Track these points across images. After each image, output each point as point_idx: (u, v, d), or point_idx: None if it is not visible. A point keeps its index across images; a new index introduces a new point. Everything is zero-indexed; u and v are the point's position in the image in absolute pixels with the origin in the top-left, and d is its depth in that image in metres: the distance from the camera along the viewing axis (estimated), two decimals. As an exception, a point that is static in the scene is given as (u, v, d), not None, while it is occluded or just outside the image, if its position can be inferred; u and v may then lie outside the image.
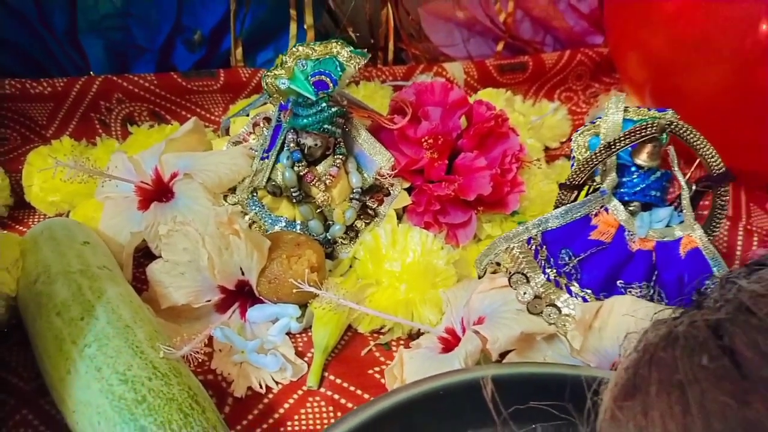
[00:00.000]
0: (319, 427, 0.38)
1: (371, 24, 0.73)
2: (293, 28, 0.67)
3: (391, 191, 0.50)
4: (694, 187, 0.38)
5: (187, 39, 0.66)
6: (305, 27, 0.66)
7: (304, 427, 0.39)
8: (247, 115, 0.53)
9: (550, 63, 0.73)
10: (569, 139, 0.63)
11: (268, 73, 0.46)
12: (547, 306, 0.39)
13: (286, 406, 0.40)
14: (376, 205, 0.50)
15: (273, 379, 0.41)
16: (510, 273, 0.40)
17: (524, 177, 0.52)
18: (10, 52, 0.64)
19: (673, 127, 0.37)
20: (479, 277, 0.42)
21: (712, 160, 0.37)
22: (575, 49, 0.73)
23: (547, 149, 0.66)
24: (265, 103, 0.51)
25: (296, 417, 0.39)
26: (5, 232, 0.49)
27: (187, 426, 0.32)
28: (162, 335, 0.37)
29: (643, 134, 0.36)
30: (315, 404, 0.40)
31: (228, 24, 0.65)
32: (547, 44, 0.76)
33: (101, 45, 0.64)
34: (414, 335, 0.44)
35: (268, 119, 0.51)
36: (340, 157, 0.48)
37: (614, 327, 0.37)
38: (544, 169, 0.55)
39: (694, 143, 0.37)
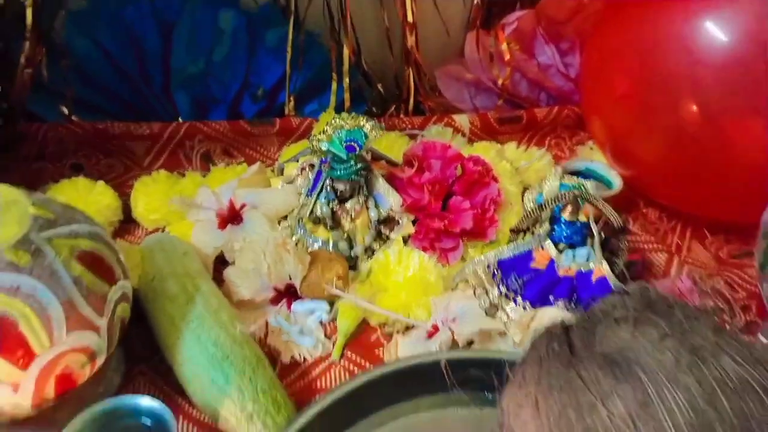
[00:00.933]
0: (338, 387, 0.56)
1: (396, 82, 0.90)
2: (334, 86, 0.85)
3: (400, 222, 0.67)
4: (603, 235, 0.55)
5: (253, 93, 0.85)
6: (344, 86, 0.85)
7: (328, 387, 0.57)
8: (296, 161, 0.71)
9: (541, 116, 0.89)
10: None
11: (314, 137, 0.64)
12: (499, 311, 0.56)
13: (316, 371, 0.58)
14: (388, 233, 0.67)
15: (309, 353, 0.59)
16: (474, 287, 0.57)
17: (501, 215, 0.69)
18: (117, 101, 0.84)
19: (583, 195, 0.53)
20: (452, 290, 0.59)
21: (613, 218, 0.53)
22: (563, 105, 0.89)
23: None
24: (310, 155, 0.69)
25: (323, 379, 0.57)
26: (129, 243, 0.68)
27: (254, 374, 0.50)
28: (237, 318, 0.56)
29: (562, 200, 0.53)
30: (336, 371, 0.58)
31: (284, 83, 0.84)
32: (542, 100, 0.92)
33: (187, 97, 0.83)
34: (409, 328, 0.61)
35: (312, 166, 0.69)
36: (363, 197, 0.66)
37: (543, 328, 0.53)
38: (518, 209, 0.71)
39: (599, 207, 0.54)
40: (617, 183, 0.73)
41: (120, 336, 0.49)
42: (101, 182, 0.71)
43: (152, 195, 0.71)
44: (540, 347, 0.40)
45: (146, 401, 0.45)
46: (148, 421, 0.45)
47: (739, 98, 0.60)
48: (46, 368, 0.43)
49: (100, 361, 0.47)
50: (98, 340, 0.46)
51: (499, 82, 0.86)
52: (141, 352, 0.57)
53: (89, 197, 0.69)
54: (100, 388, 0.53)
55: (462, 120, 0.86)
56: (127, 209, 0.72)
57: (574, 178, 0.57)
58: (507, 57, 0.84)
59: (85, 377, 0.46)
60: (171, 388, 0.54)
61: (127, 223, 0.72)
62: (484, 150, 0.78)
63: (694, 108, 0.61)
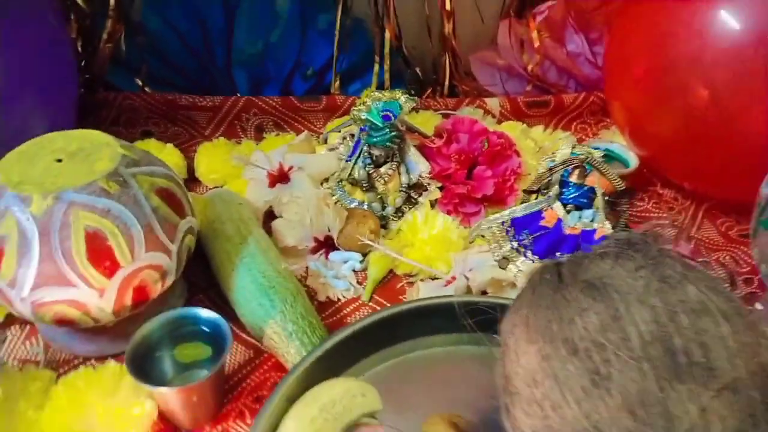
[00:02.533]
0: (366, 323, 0.64)
1: (433, 66, 0.98)
2: (376, 68, 0.94)
3: (428, 188, 0.75)
4: (607, 198, 0.61)
5: (303, 73, 0.94)
6: (385, 68, 0.93)
7: (357, 323, 0.65)
8: (339, 132, 0.80)
9: (568, 101, 0.95)
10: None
11: (355, 108, 0.72)
12: (510, 264, 0.63)
13: (347, 310, 0.66)
14: (417, 196, 0.75)
15: (342, 294, 0.67)
16: (490, 242, 0.64)
17: (520, 184, 0.75)
18: (184, 76, 0.94)
19: (589, 160, 0.60)
20: (470, 243, 0.67)
21: (615, 182, 0.59)
22: (590, 91, 0.95)
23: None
24: (351, 125, 0.78)
25: (353, 317, 0.65)
26: (195, 194, 0.77)
27: (295, 302, 0.59)
28: (282, 258, 0.65)
29: (570, 164, 0.59)
30: (365, 311, 0.66)
31: (331, 63, 0.93)
32: (570, 87, 0.98)
33: (245, 75, 0.93)
34: (431, 279, 0.69)
35: (352, 135, 0.77)
36: (396, 163, 0.74)
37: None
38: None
39: (603, 171, 0.60)
40: (633, 162, 0.79)
41: (186, 262, 0.59)
42: (170, 144, 0.82)
43: (213, 157, 0.81)
44: (534, 278, 0.47)
45: (206, 312, 0.54)
46: (206, 329, 0.54)
47: (746, 82, 0.65)
48: (127, 279, 0.53)
49: (169, 280, 0.57)
50: (169, 261, 0.55)
51: (529, 68, 0.93)
52: (200, 283, 0.67)
53: (159, 156, 0.79)
54: (165, 309, 0.62)
55: (492, 102, 0.93)
56: (190, 170, 0.83)
57: (584, 147, 0.64)
58: (537, 44, 0.90)
59: (156, 292, 0.56)
60: (224, 313, 0.63)
61: (190, 182, 0.83)
62: (511, 128, 0.85)
63: (704, 90, 0.67)
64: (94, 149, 0.55)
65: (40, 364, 0.56)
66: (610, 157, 0.80)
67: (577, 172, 0.61)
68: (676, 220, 0.78)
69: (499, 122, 0.92)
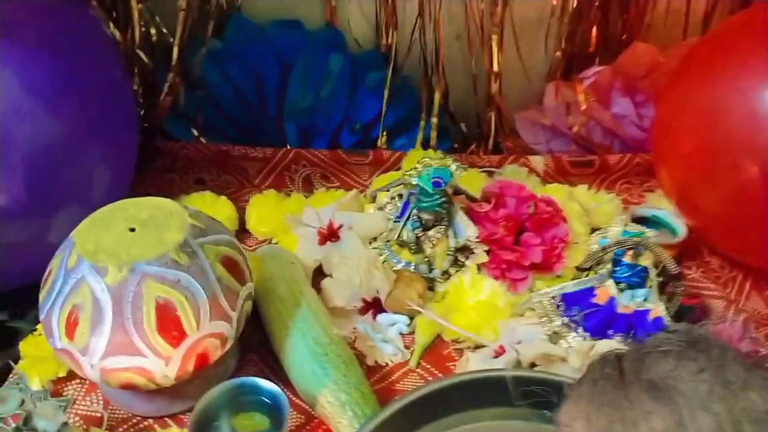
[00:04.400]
0: (414, 390, 0.65)
1: (479, 122, 0.99)
2: (422, 124, 0.96)
3: (475, 252, 0.76)
4: (660, 279, 0.61)
5: (351, 127, 0.96)
6: (431, 124, 0.95)
7: (404, 390, 0.65)
8: (387, 191, 0.81)
9: (613, 162, 0.94)
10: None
11: (406, 173, 0.74)
12: (561, 339, 0.64)
13: (395, 376, 0.67)
14: (464, 260, 0.76)
15: (390, 359, 0.68)
16: (540, 315, 0.65)
17: (568, 252, 0.76)
18: (237, 127, 0.97)
19: (644, 242, 0.60)
20: (520, 315, 0.67)
21: (669, 265, 0.60)
22: (635, 152, 0.95)
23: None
24: (400, 185, 0.80)
25: (401, 383, 0.66)
26: (246, 248, 0.80)
27: (347, 370, 0.60)
28: (332, 322, 0.66)
29: (624, 245, 0.60)
30: (413, 377, 0.67)
31: (379, 119, 0.95)
32: (615, 147, 0.98)
33: (295, 127, 0.96)
34: (478, 346, 0.70)
35: (400, 195, 0.79)
36: (444, 227, 0.75)
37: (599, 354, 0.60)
38: (584, 248, 0.78)
39: (657, 254, 0.60)
40: (682, 231, 0.79)
41: (243, 327, 0.61)
42: (224, 197, 0.84)
43: (264, 210, 0.84)
44: (595, 370, 0.47)
45: (265, 383, 0.56)
46: (266, 399, 0.56)
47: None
48: (192, 347, 0.55)
49: (228, 346, 0.59)
50: (230, 329, 0.57)
51: (575, 128, 0.94)
52: (251, 341, 0.69)
53: (214, 207, 0.81)
54: (220, 369, 0.64)
55: (537, 161, 0.94)
56: (241, 221, 0.85)
57: (637, 226, 0.64)
58: (583, 107, 0.91)
59: (216, 358, 0.58)
60: (274, 374, 0.65)
61: (241, 233, 0.85)
62: (556, 191, 0.86)
63: (755, 169, 0.67)
64: (164, 218, 0.57)
65: (103, 424, 0.58)
66: (657, 223, 0.80)
67: (631, 253, 0.61)
68: (724, 294, 0.78)
69: (544, 182, 0.92)
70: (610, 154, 0.95)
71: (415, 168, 0.73)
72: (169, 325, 0.53)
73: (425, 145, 0.95)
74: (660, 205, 0.85)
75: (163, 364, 0.54)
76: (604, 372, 0.47)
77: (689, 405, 0.41)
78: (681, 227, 0.79)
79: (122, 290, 0.52)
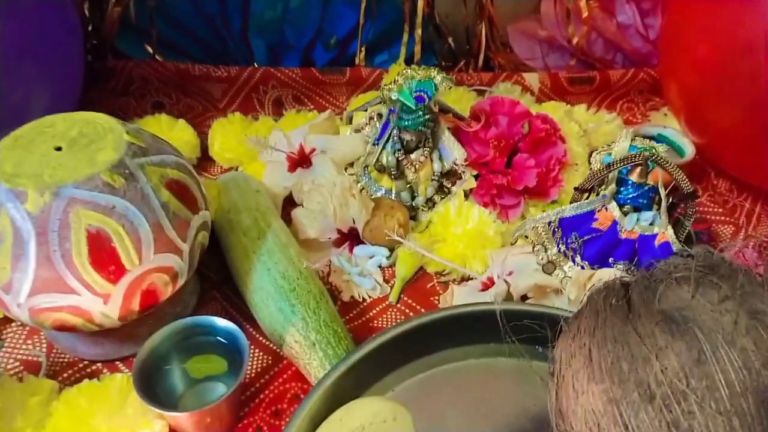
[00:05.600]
0: (394, 327, 0.59)
1: (467, 35, 0.90)
2: (405, 37, 0.86)
3: (462, 176, 0.68)
4: (671, 200, 0.54)
5: (325, 42, 0.86)
6: (415, 38, 0.85)
7: (384, 327, 0.59)
8: (365, 111, 0.73)
9: (615, 78, 0.86)
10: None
11: (385, 86, 0.65)
12: (556, 269, 0.57)
13: (374, 312, 0.61)
14: (450, 186, 0.69)
15: (367, 294, 0.62)
16: (534, 244, 0.58)
17: (565, 175, 0.69)
18: (198, 44, 0.87)
19: (654, 158, 0.53)
20: (512, 244, 0.61)
21: (683, 183, 0.53)
22: (639, 67, 0.87)
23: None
24: (379, 104, 0.71)
25: (379, 320, 0.60)
26: (207, 178, 0.72)
27: (318, 307, 0.53)
28: (303, 255, 0.59)
29: (632, 161, 0.52)
30: (392, 313, 0.61)
31: (356, 33, 0.85)
32: (617, 62, 0.90)
33: (263, 43, 0.86)
34: (465, 279, 0.63)
35: (380, 115, 0.70)
36: (428, 149, 0.67)
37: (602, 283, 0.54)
38: (583, 171, 0.71)
39: (670, 171, 0.53)
40: (690, 151, 0.71)
41: (198, 261, 0.53)
42: (182, 120, 0.75)
43: (228, 135, 0.75)
44: (597, 301, 0.41)
45: (222, 322, 0.49)
46: (222, 340, 0.49)
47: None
48: (134, 284, 0.47)
49: (180, 282, 0.51)
50: (181, 263, 0.50)
51: (574, 40, 0.84)
52: (214, 277, 0.62)
53: (171, 133, 0.73)
54: (177, 308, 0.57)
55: (532, 78, 0.86)
56: (204, 147, 0.76)
57: (646, 140, 0.57)
58: (585, 14, 0.82)
59: (166, 295, 0.51)
60: (239, 313, 0.59)
61: (204, 161, 0.77)
62: (553, 109, 0.78)
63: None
64: (98, 135, 0.49)
65: (41, 371, 0.52)
66: (662, 143, 0.72)
67: (638, 170, 0.54)
68: (732, 220, 0.72)
69: (539, 101, 0.84)
70: (612, 70, 0.87)
71: (395, 81, 0.65)
72: (105, 258, 0.45)
73: (408, 62, 0.86)
74: (665, 124, 0.77)
75: (101, 302, 0.46)
76: (608, 303, 0.41)
77: (710, 339, 0.35)
78: (689, 146, 0.72)
79: (46, 218, 0.44)
